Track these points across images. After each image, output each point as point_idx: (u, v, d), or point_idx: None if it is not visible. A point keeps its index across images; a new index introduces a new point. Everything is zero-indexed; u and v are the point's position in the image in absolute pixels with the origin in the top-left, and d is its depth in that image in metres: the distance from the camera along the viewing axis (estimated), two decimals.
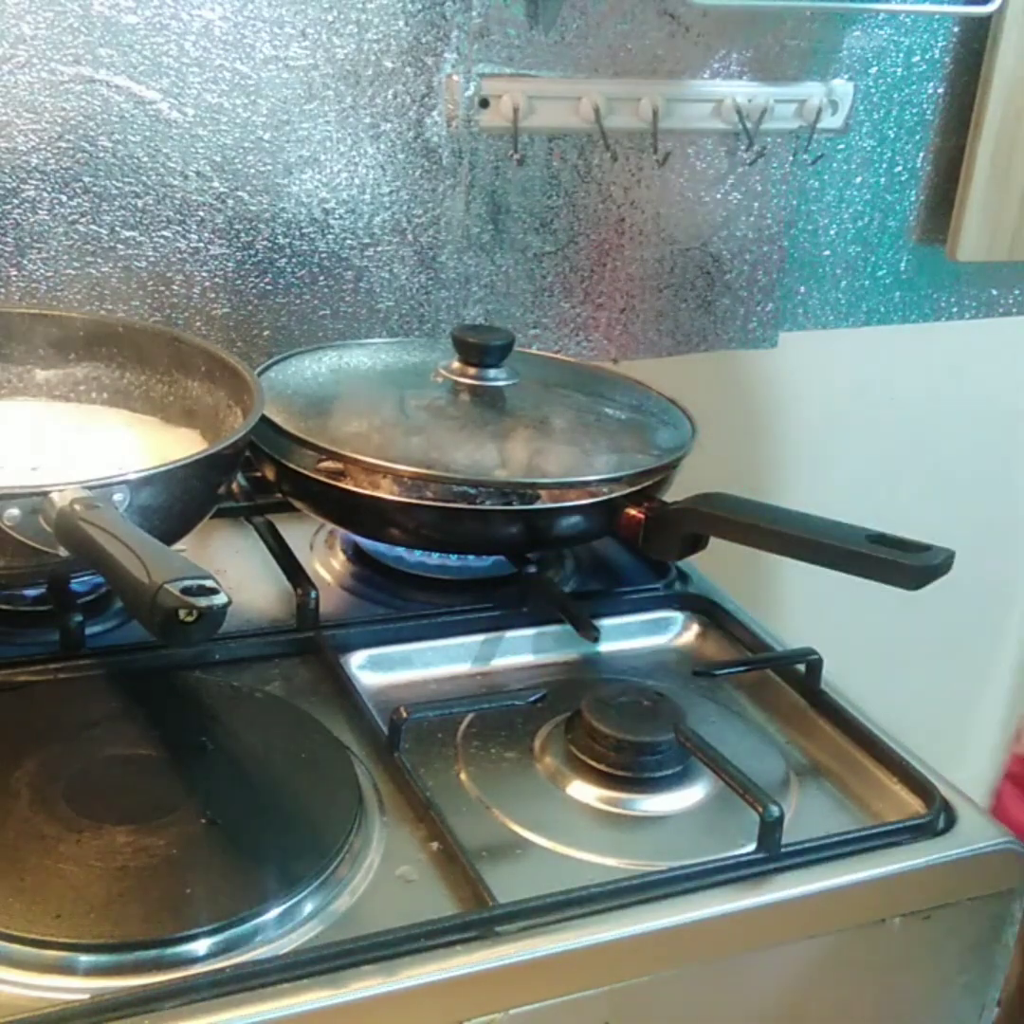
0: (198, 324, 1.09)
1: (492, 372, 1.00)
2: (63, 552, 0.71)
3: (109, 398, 0.98)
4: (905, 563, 0.81)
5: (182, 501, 0.79)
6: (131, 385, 0.98)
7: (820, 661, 0.86)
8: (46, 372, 0.98)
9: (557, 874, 0.69)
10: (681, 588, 0.98)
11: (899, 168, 1.32)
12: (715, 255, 1.27)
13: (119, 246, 1.04)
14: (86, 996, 0.58)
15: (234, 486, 1.01)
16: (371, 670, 0.86)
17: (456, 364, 1.00)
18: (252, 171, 1.06)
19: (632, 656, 0.92)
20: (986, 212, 1.32)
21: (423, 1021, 0.63)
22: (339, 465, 0.90)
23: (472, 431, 0.96)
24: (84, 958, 0.60)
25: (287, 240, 1.10)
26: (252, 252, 1.09)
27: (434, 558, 0.96)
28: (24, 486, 0.73)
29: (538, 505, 0.90)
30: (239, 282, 1.09)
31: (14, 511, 0.71)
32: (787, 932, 0.71)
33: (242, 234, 1.08)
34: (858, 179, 1.31)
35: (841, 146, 1.28)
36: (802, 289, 1.33)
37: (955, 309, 1.42)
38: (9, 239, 1.01)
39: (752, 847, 0.71)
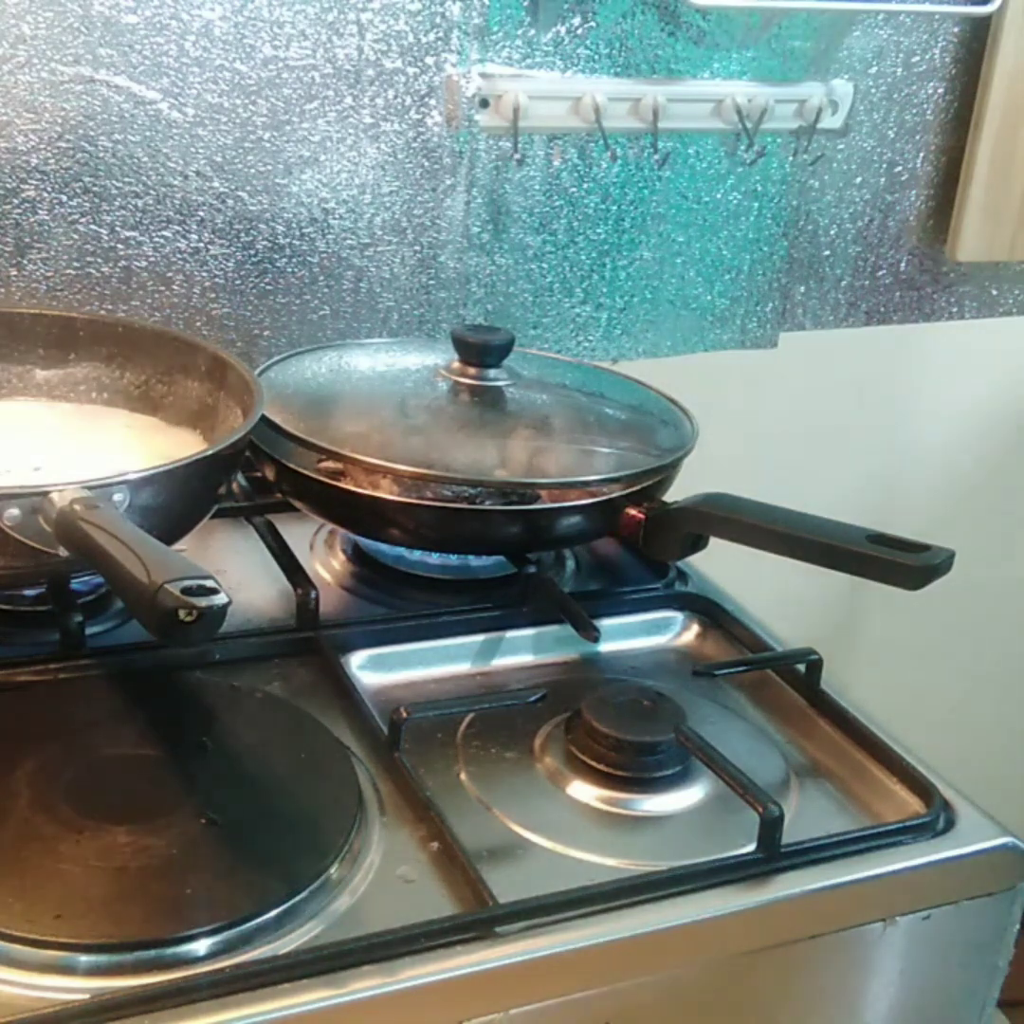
0: (198, 324, 1.09)
1: (492, 372, 1.00)
2: (63, 552, 0.71)
3: (109, 398, 0.98)
4: (905, 563, 0.81)
5: (182, 501, 0.79)
6: (131, 385, 0.98)
7: (820, 661, 0.86)
8: (46, 372, 0.98)
9: (557, 874, 0.69)
10: (681, 588, 0.98)
11: (899, 168, 1.32)
12: (715, 255, 1.27)
13: (119, 246, 1.04)
14: (86, 996, 0.58)
15: (234, 486, 1.01)
16: (371, 670, 0.86)
17: (456, 364, 1.00)
18: (252, 171, 1.07)
19: (632, 656, 0.92)
20: (986, 212, 1.32)
21: (423, 1021, 0.63)
22: (339, 465, 0.90)
23: (472, 431, 0.96)
24: (84, 958, 0.60)
25: (287, 240, 1.10)
26: (252, 252, 1.09)
27: (434, 558, 0.96)
28: (24, 486, 0.73)
29: (538, 505, 0.90)
30: (239, 282, 1.09)
31: (14, 511, 0.71)
32: (787, 932, 0.71)
33: (242, 234, 1.08)
34: (858, 179, 1.31)
35: (841, 146, 1.29)
36: (802, 289, 1.33)
37: (955, 309, 1.42)
38: (9, 239, 1.01)
39: (752, 847, 0.71)
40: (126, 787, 0.71)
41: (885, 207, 1.33)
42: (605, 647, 0.91)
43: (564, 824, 0.74)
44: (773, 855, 0.71)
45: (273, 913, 0.63)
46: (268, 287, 1.10)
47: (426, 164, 1.12)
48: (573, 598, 0.92)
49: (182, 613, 0.60)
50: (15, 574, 0.77)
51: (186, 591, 0.60)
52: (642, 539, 0.91)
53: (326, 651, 0.85)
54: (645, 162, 1.20)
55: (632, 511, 0.91)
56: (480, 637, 0.89)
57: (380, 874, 0.68)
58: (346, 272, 1.13)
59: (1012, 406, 1.52)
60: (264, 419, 0.89)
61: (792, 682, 0.87)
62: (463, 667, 0.88)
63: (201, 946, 0.62)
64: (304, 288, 1.12)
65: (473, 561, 0.97)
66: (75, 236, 1.03)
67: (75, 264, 1.04)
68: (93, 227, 1.03)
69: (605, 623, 0.90)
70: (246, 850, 0.67)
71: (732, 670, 0.89)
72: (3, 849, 0.65)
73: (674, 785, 0.77)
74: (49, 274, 1.03)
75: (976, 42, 1.28)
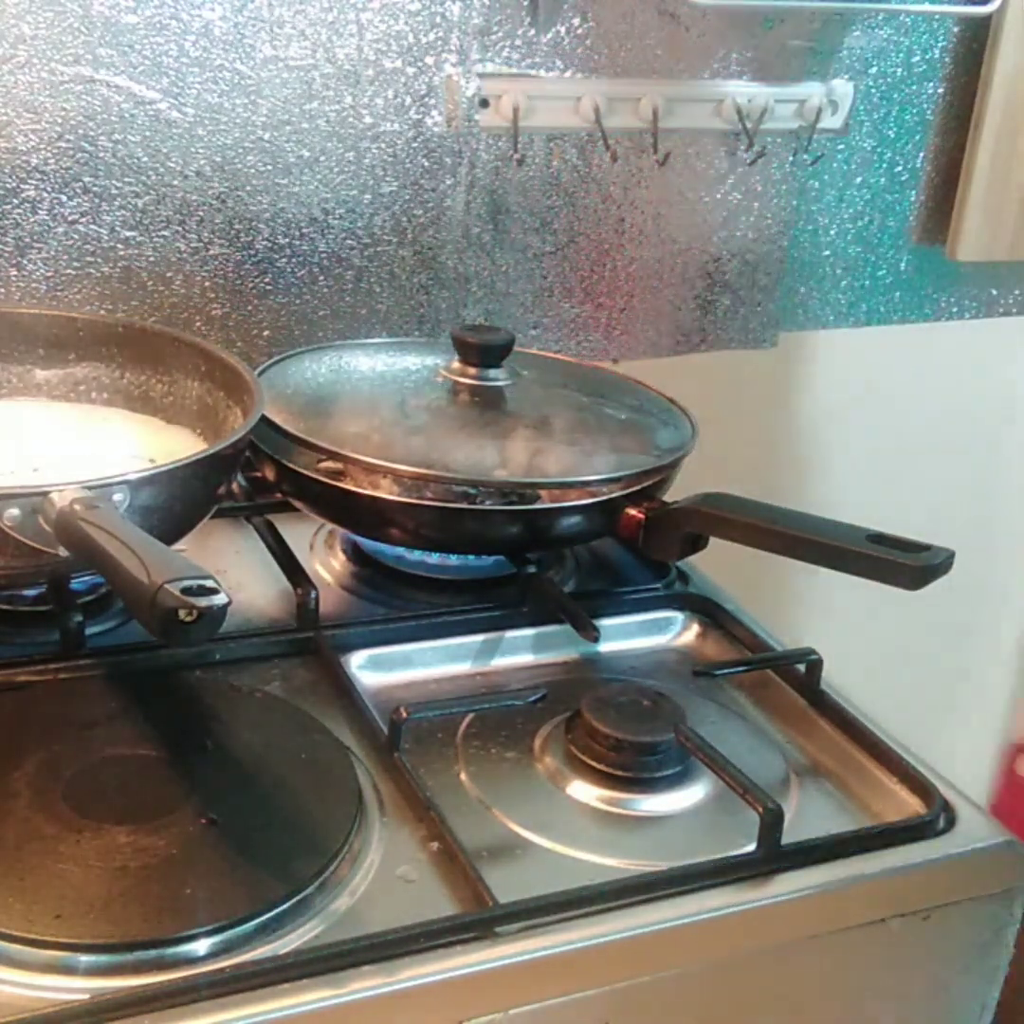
0: (198, 324, 1.09)
1: (492, 372, 1.00)
2: (63, 552, 0.71)
3: (109, 398, 0.98)
4: (905, 563, 0.81)
5: (182, 501, 0.79)
6: (131, 385, 0.98)
7: (820, 661, 0.86)
8: (46, 372, 0.98)
9: (557, 874, 0.69)
10: (681, 588, 0.98)
11: (899, 168, 1.32)
12: (715, 255, 1.27)
13: (119, 246, 1.04)
14: (86, 996, 0.58)
15: (234, 486, 1.01)
16: (371, 670, 0.86)
17: (456, 364, 1.00)
18: (252, 171, 1.06)
19: (632, 656, 0.92)
20: (986, 212, 1.32)
21: (423, 1021, 0.63)
22: (339, 465, 0.90)
23: (472, 431, 0.96)
24: (84, 958, 0.60)
25: (287, 240, 1.10)
26: (252, 252, 1.09)
27: (434, 558, 0.96)
28: (24, 486, 0.73)
29: (538, 505, 0.90)
30: (239, 282, 1.09)
31: (14, 511, 0.71)
32: (787, 932, 0.71)
33: (242, 234, 1.08)
34: (858, 179, 1.31)
35: (841, 146, 1.28)
36: (802, 289, 1.33)
37: (955, 309, 1.42)
38: (9, 239, 1.01)
39: (752, 847, 0.71)
40: (126, 787, 0.71)
41: (885, 207, 1.33)
42: (605, 647, 0.91)
43: (564, 824, 0.74)
44: (773, 855, 0.71)
45: (273, 913, 0.64)
46: (268, 287, 1.10)
47: (426, 164, 1.12)
48: (573, 598, 0.92)
49: (182, 613, 0.60)
50: (15, 574, 0.77)
51: (186, 591, 0.60)
52: (642, 539, 0.91)
53: (326, 651, 0.85)
54: (645, 162, 1.20)
55: (632, 511, 0.91)
56: (480, 637, 0.89)
57: (380, 874, 0.68)
58: (346, 272, 1.13)
59: (1011, 406, 1.52)
60: (264, 419, 0.89)
61: (792, 682, 0.87)
62: (463, 667, 0.88)
63: (201, 946, 0.62)
64: (304, 288, 1.12)
65: (473, 561, 0.97)
66: (75, 236, 1.03)
67: (75, 264, 1.04)
68: (93, 227, 1.03)
69: (605, 623, 0.90)
70: (246, 850, 0.67)
71: (732, 670, 0.89)
72: (3, 849, 0.65)
73: (674, 785, 0.77)
74: (49, 274, 1.03)
75: (976, 42, 1.28)
